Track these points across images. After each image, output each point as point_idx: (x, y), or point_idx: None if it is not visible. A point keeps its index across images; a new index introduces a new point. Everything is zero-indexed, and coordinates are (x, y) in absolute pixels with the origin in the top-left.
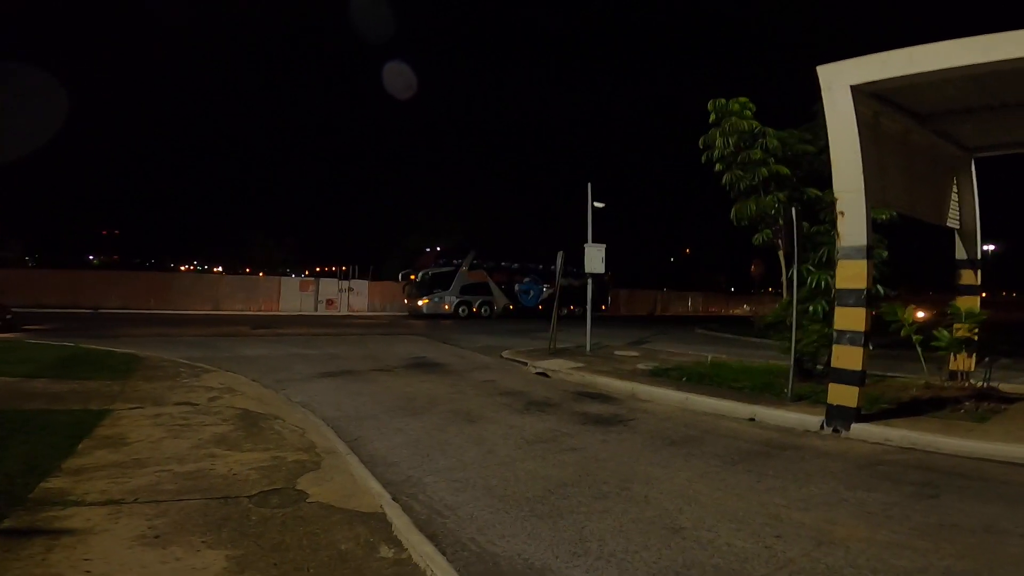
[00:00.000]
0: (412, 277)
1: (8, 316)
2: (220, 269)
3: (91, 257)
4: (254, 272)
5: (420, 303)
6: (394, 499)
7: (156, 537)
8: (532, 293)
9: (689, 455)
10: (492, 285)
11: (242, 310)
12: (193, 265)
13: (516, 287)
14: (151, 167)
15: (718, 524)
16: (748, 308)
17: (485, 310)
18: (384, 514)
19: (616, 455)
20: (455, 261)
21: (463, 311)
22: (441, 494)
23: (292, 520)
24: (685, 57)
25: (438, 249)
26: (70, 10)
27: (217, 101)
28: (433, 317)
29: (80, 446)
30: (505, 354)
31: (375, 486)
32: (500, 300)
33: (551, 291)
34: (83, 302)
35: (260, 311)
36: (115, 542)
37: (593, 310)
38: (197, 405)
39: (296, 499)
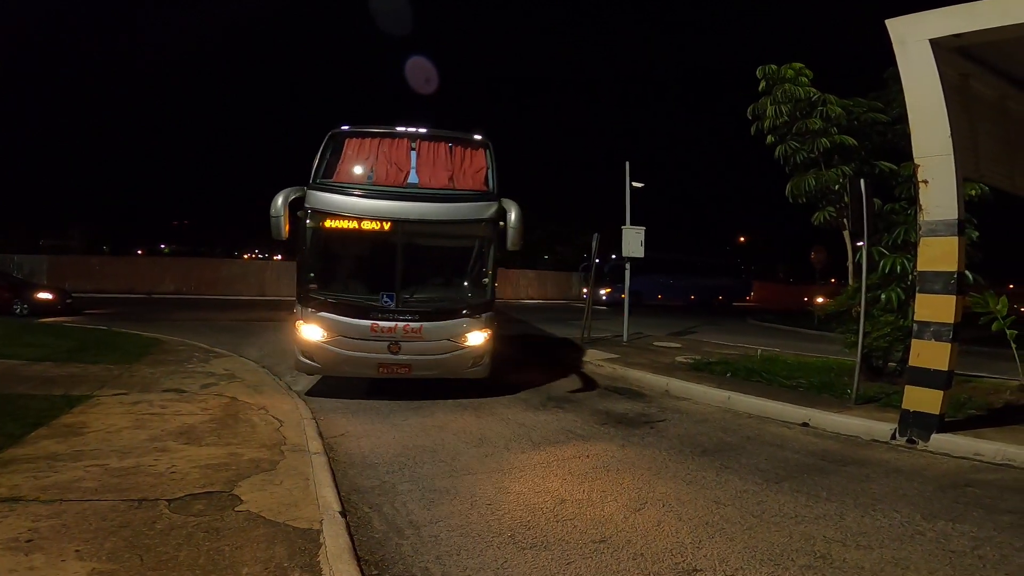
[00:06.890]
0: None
1: (69, 300)
2: (279, 257)
3: (162, 246)
4: None
5: None
6: (345, 512)
7: (28, 542)
8: None
9: (723, 468)
10: None
11: (288, 295)
12: (255, 253)
13: None
14: (213, 160)
15: (745, 567)
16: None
17: None
18: (320, 531)
19: (633, 465)
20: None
21: None
22: (412, 507)
23: (202, 532)
24: (736, 23)
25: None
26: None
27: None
28: None
29: (32, 434)
30: None
31: (328, 494)
32: None
33: None
34: (139, 288)
35: None
36: None
37: None
38: (185, 392)
39: (224, 506)
